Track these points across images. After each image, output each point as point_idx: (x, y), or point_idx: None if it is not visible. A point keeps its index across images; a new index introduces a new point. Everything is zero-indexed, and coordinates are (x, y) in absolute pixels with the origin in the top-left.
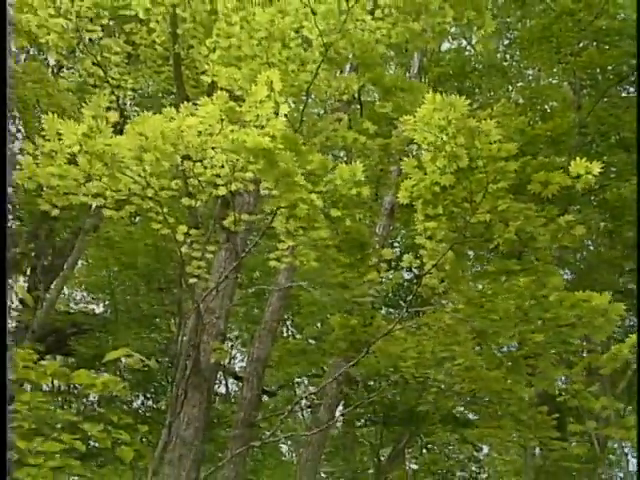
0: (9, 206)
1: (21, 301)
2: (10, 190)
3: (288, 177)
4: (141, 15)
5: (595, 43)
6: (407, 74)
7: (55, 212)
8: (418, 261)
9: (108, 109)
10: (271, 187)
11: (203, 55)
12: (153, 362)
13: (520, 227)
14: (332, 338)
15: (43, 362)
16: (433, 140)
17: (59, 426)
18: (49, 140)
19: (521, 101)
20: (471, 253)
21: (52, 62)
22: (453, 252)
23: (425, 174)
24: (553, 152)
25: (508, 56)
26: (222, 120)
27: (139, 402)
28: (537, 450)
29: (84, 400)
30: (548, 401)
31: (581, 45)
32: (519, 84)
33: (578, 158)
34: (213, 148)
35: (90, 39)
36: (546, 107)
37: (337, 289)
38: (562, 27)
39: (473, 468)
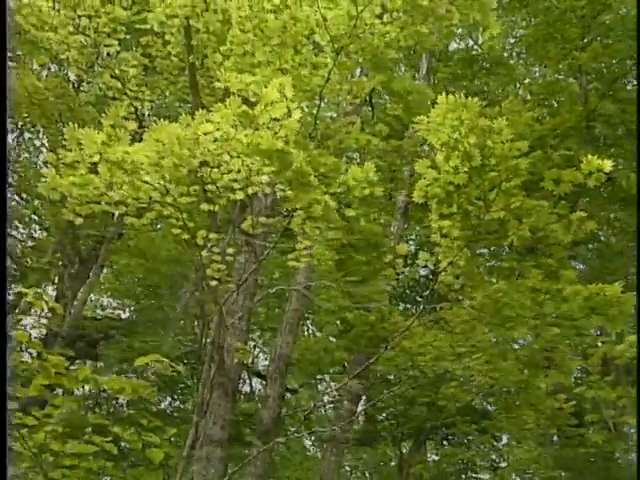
0: (35, 217)
1: (50, 309)
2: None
3: (302, 178)
4: (156, 28)
5: (599, 38)
6: (416, 75)
7: (79, 221)
8: (433, 258)
9: (126, 119)
10: (286, 188)
11: (217, 63)
12: (182, 368)
13: (533, 224)
14: (351, 335)
15: (72, 367)
16: (446, 140)
17: (90, 429)
18: (70, 150)
19: (529, 97)
20: (485, 250)
21: (72, 77)
22: (468, 249)
23: (439, 174)
24: (562, 146)
25: (514, 54)
26: (236, 125)
27: (166, 403)
28: (555, 437)
29: (113, 402)
30: (565, 390)
31: (585, 40)
32: (526, 81)
33: (590, 155)
34: (228, 153)
35: (108, 53)
36: (554, 102)
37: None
38: (566, 24)
39: (493, 457)
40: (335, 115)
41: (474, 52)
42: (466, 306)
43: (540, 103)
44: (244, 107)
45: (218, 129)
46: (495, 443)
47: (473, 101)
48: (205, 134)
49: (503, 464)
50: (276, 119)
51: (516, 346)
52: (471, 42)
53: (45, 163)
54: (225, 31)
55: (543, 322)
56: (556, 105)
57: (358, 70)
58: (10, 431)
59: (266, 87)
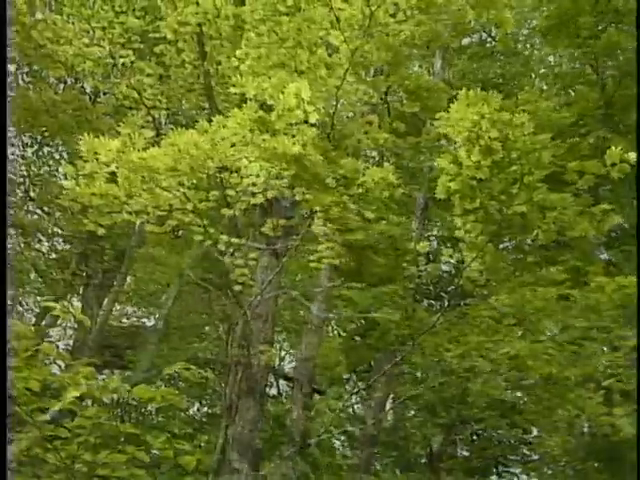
0: (58, 230)
1: (78, 321)
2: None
3: (319, 182)
4: (169, 36)
5: (614, 24)
6: (431, 70)
7: (101, 231)
8: (457, 254)
9: (143, 128)
10: (304, 192)
11: (233, 67)
12: (210, 374)
13: (557, 217)
14: (377, 334)
15: (101, 377)
16: (467, 135)
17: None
18: (87, 161)
19: (545, 87)
20: (508, 244)
21: (89, 89)
22: (492, 244)
23: (460, 169)
24: (589, 135)
25: (529, 44)
26: (253, 130)
27: (195, 408)
28: (586, 429)
29: (142, 410)
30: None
31: (600, 28)
32: (542, 71)
33: (613, 147)
34: (246, 157)
35: (123, 63)
36: (570, 91)
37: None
38: (580, 11)
39: (525, 451)
40: (352, 115)
41: (488, 44)
42: (492, 301)
43: (558, 93)
44: (261, 112)
45: (235, 134)
46: (525, 436)
47: (493, 95)
48: (222, 139)
49: (535, 456)
50: (293, 123)
51: (543, 338)
52: (485, 35)
53: (65, 175)
54: (238, 36)
55: (570, 315)
56: (573, 94)
57: (373, 68)
58: (10, 433)
59: (282, 91)
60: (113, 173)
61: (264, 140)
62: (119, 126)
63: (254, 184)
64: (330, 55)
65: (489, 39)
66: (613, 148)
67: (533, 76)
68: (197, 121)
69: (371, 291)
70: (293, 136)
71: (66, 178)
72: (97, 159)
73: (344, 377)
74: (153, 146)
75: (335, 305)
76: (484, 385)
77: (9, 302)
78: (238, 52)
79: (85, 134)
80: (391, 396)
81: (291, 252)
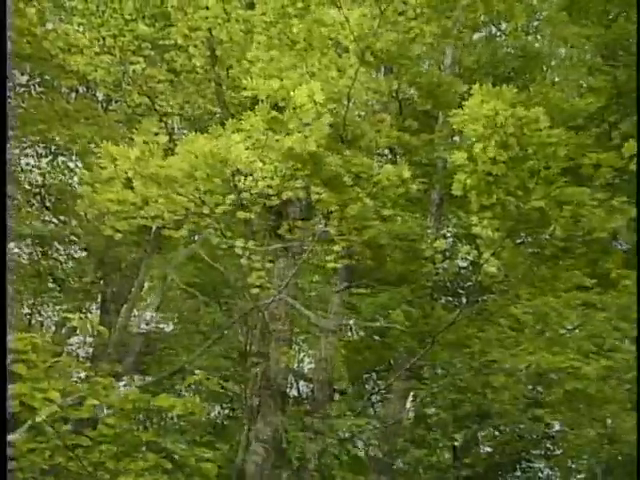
0: (75, 238)
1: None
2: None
3: (336, 179)
4: (180, 42)
5: (625, 13)
6: (441, 66)
7: (118, 236)
8: (474, 251)
9: (156, 134)
10: (320, 191)
11: (244, 70)
12: (232, 385)
13: (575, 210)
14: (395, 332)
15: (121, 383)
16: (483, 131)
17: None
18: (104, 168)
19: (557, 79)
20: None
21: (101, 97)
22: (510, 240)
23: (476, 165)
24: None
25: (539, 36)
26: (267, 132)
27: (216, 412)
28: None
29: (164, 415)
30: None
31: (610, 17)
32: (552, 63)
33: (631, 140)
34: (261, 160)
35: (134, 71)
36: (582, 82)
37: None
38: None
39: (548, 445)
40: (364, 114)
41: (498, 38)
42: (510, 296)
43: (568, 85)
44: (274, 113)
45: (249, 137)
46: (547, 430)
47: (508, 90)
48: (236, 143)
49: (558, 451)
50: (306, 124)
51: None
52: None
53: (81, 182)
54: (248, 40)
55: (590, 308)
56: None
57: (383, 66)
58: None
59: (294, 90)
60: (128, 179)
61: (277, 141)
62: (132, 134)
63: (270, 187)
64: (340, 56)
65: (499, 31)
66: (631, 140)
67: (545, 68)
68: (209, 125)
69: (387, 291)
70: (306, 137)
71: (81, 185)
72: (116, 166)
73: (351, 382)
74: (167, 151)
75: (349, 308)
76: (505, 379)
77: (27, 311)
78: (249, 55)
79: (105, 142)
80: (411, 394)
81: (308, 253)
